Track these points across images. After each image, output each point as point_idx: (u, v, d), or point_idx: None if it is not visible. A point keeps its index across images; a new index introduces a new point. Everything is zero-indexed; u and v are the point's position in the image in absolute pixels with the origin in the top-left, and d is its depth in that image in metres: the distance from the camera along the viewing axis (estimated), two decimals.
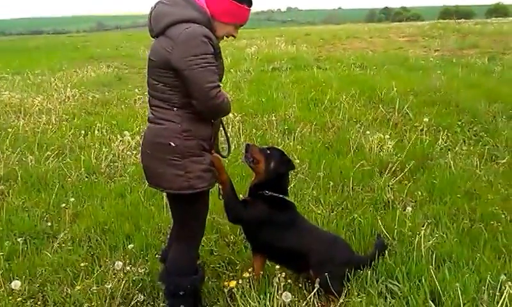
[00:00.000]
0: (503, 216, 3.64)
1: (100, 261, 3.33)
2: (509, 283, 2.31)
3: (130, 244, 3.41)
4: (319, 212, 3.81)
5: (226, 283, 2.74)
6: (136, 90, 8.74)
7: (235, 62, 12.24)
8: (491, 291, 2.59)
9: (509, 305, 2.34)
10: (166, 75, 2.32)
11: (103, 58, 14.57)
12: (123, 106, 8.09)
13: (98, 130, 6.29)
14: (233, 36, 2.51)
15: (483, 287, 2.62)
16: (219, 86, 2.32)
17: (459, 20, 22.06)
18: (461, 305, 2.40)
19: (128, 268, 3.01)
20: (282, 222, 2.83)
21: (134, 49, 16.78)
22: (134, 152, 5.38)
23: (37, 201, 4.32)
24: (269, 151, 2.86)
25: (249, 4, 2.43)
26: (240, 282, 2.68)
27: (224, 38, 2.50)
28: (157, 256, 3.28)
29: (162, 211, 4.03)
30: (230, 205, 2.76)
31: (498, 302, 2.33)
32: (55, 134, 6.37)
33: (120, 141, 5.53)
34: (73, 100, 8.46)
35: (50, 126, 6.62)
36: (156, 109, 2.44)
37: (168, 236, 3.05)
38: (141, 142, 2.61)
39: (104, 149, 5.34)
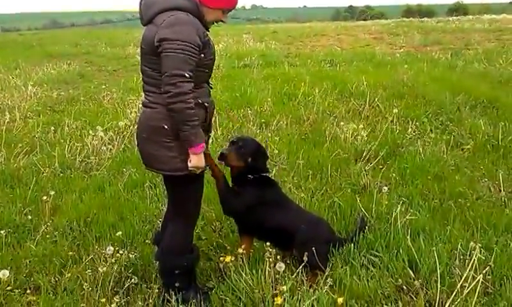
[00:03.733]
0: (469, 195, 3.93)
1: (88, 250, 3.35)
2: (479, 245, 2.54)
3: (116, 233, 3.45)
4: (302, 195, 3.97)
5: (221, 258, 2.85)
6: (103, 87, 8.63)
7: None
8: (461, 257, 2.84)
9: (478, 268, 2.56)
10: (156, 61, 2.40)
11: (62, 56, 14.13)
12: (90, 103, 8.00)
13: (68, 127, 6.23)
14: (222, 21, 2.59)
15: (455, 253, 2.87)
16: (184, 77, 2.31)
17: (422, 19, 22.81)
18: (438, 269, 2.60)
19: (119, 254, 3.04)
20: (271, 201, 2.99)
21: (94, 46, 16.43)
22: (109, 147, 5.39)
23: (12, 197, 4.27)
24: (243, 149, 2.90)
25: None
26: (233, 259, 2.80)
27: (215, 23, 2.58)
28: (147, 241, 3.36)
29: (145, 201, 4.09)
30: (224, 200, 2.92)
31: (469, 265, 2.55)
32: (22, 131, 6.27)
33: (93, 136, 5.48)
34: (35, 98, 8.26)
35: (16, 124, 6.48)
36: (149, 94, 2.52)
37: (162, 218, 3.15)
38: (136, 127, 2.69)
39: (76, 144, 5.30)
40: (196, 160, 2.44)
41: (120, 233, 3.42)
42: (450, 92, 7.09)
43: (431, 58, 10.83)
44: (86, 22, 76.42)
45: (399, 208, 3.37)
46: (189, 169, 2.47)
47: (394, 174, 4.27)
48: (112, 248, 2.97)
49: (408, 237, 3.03)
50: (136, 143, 2.74)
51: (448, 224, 3.40)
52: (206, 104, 2.56)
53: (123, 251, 3.11)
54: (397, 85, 7.79)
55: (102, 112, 7.19)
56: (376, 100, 6.76)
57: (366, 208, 3.61)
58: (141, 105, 2.83)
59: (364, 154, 4.86)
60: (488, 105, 6.49)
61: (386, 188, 3.59)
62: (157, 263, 2.84)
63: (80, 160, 5.15)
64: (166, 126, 2.44)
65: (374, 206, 3.60)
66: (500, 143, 4.97)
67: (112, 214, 3.87)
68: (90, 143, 5.39)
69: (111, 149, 5.39)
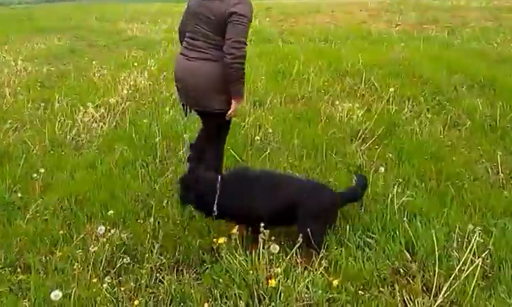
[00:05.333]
0: (467, 176, 3.88)
1: (79, 229, 3.29)
2: (478, 228, 2.50)
3: (108, 212, 3.38)
4: (297, 175, 3.91)
5: (214, 239, 2.80)
6: (94, 62, 8.47)
7: None
8: (459, 240, 2.80)
9: (477, 251, 2.52)
10: (219, 28, 3.12)
11: (52, 30, 13.78)
12: (81, 79, 7.83)
13: (58, 103, 6.11)
14: None
15: (453, 235, 2.82)
16: (245, 44, 3.10)
17: None
18: (435, 252, 2.56)
19: (110, 233, 2.98)
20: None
21: (85, 21, 16.08)
22: (100, 124, 5.29)
23: (1, 174, 4.17)
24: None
25: None
26: (226, 240, 2.75)
27: None
28: (139, 220, 3.29)
29: (137, 180, 4.01)
30: None
31: (467, 248, 2.51)
32: (12, 107, 6.13)
33: (84, 112, 5.40)
34: (26, 74, 8.10)
35: (5, 100, 6.34)
36: (213, 52, 3.21)
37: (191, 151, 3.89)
38: (186, 77, 3.36)
39: (67, 121, 5.19)
40: (236, 106, 3.26)
41: (112, 212, 3.35)
42: (447, 71, 6.99)
43: (428, 36, 10.65)
44: None
45: (395, 190, 3.30)
46: (229, 113, 3.29)
47: (390, 155, 4.20)
48: (103, 227, 2.92)
49: (405, 219, 2.99)
50: (185, 90, 3.41)
51: (445, 206, 3.35)
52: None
53: (115, 231, 3.04)
54: (393, 63, 7.64)
55: (93, 88, 7.04)
56: (372, 78, 6.67)
57: None
58: (186, 60, 3.38)
59: (360, 134, 4.79)
60: (485, 85, 6.38)
61: (382, 169, 3.53)
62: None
63: (71, 137, 5.06)
64: (218, 77, 3.19)
65: (369, 186, 3.54)
66: (497, 124, 4.90)
67: (104, 193, 3.80)
68: (81, 120, 5.30)
69: (102, 126, 5.30)
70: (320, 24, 14.26)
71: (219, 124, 3.47)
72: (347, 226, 3.00)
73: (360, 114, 5.22)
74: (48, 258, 3.00)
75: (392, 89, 5.75)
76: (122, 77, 7.21)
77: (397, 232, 2.93)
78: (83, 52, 10.63)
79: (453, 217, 3.14)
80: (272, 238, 2.68)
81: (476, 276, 2.43)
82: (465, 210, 3.32)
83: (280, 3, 20.18)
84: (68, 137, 5.04)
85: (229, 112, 3.29)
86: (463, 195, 3.55)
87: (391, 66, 7.48)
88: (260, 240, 2.59)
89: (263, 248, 2.60)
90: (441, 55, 8.19)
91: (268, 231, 2.63)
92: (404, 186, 3.70)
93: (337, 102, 5.66)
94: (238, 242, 2.75)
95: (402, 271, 2.66)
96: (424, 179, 3.86)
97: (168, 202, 3.52)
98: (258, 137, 4.75)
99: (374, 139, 4.66)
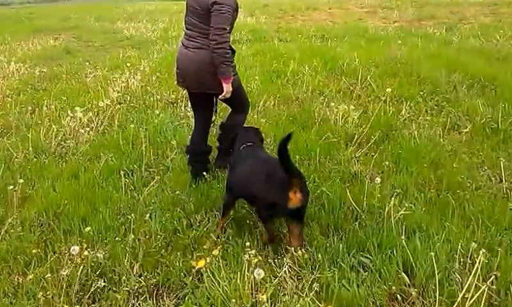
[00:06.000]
0: (468, 185, 3.65)
1: (54, 246, 3.09)
2: (482, 250, 2.26)
3: (86, 227, 3.16)
4: None
5: (194, 262, 2.58)
6: (87, 63, 8.26)
7: None
8: (462, 260, 2.57)
9: (481, 273, 2.30)
10: (206, 17, 3.41)
11: (50, 30, 13.71)
12: (73, 81, 7.62)
13: (46, 107, 5.89)
14: None
15: (454, 255, 2.59)
16: (226, 30, 3.38)
17: None
18: (435, 275, 2.34)
19: (86, 253, 2.78)
20: None
21: (83, 21, 15.90)
22: (87, 129, 5.08)
23: None
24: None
25: None
26: (208, 261, 2.53)
27: None
28: (117, 238, 3.08)
29: (120, 191, 3.80)
30: None
31: (470, 271, 2.29)
32: None
33: (71, 117, 5.19)
34: (17, 75, 7.89)
35: None
36: (196, 40, 3.54)
37: (191, 139, 4.03)
38: (184, 65, 3.68)
39: (53, 127, 4.96)
40: (226, 88, 3.49)
41: (89, 229, 3.13)
42: (446, 69, 6.74)
43: (425, 33, 10.42)
44: None
45: (392, 202, 3.08)
46: (221, 96, 3.57)
47: (387, 162, 3.96)
48: (77, 248, 2.69)
49: (403, 236, 2.76)
50: (191, 76, 3.65)
51: (446, 219, 3.12)
52: (233, 48, 3.58)
53: (90, 252, 2.82)
54: (390, 62, 7.41)
55: (84, 91, 6.83)
56: (369, 78, 6.43)
57: (356, 200, 3.33)
58: (184, 49, 3.67)
59: (355, 138, 4.56)
60: (485, 84, 6.13)
61: (378, 179, 3.29)
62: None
63: (56, 143, 4.84)
64: (211, 62, 3.45)
65: (365, 198, 3.31)
66: (499, 126, 4.65)
67: (85, 205, 3.59)
68: (68, 125, 5.10)
69: (89, 132, 5.09)
70: (317, 21, 14.05)
71: (237, 91, 3.68)
72: (340, 245, 2.78)
73: (356, 117, 4.99)
74: (20, 281, 2.78)
75: (389, 90, 5.51)
76: (114, 79, 7.02)
77: (395, 251, 2.69)
78: (78, 53, 10.48)
79: (455, 233, 2.90)
80: (259, 257, 2.47)
81: (482, 305, 2.19)
82: (467, 224, 3.07)
83: (278, 0, 19.97)
84: (53, 143, 4.82)
85: (222, 95, 3.55)
86: (465, 206, 3.31)
87: (388, 65, 7.26)
88: (245, 261, 2.37)
89: (247, 271, 2.37)
90: (440, 53, 7.94)
91: (254, 251, 2.42)
92: (402, 196, 3.47)
93: (332, 104, 5.43)
94: (221, 264, 2.53)
95: (399, 297, 2.42)
96: (423, 189, 3.62)
97: (150, 216, 3.31)
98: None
99: (370, 144, 4.44)
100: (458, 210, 3.26)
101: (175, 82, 3.94)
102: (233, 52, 3.61)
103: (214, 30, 3.35)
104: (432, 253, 2.43)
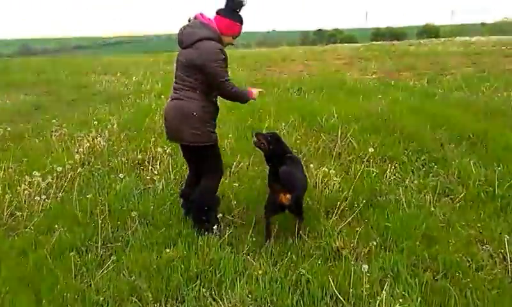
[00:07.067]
0: (468, 264, 3.15)
1: None
2: None
3: None
4: (262, 263, 3.21)
5: None
6: (54, 120, 7.74)
7: (167, 87, 11.45)
8: None
9: None
10: (194, 72, 3.56)
11: (22, 85, 13.28)
12: (37, 140, 7.06)
13: (4, 171, 5.30)
14: (232, 44, 3.82)
15: None
16: (228, 80, 3.60)
17: (393, 42, 22.66)
18: None
19: None
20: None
21: (57, 74, 15.52)
22: (43, 197, 4.53)
23: None
24: (269, 137, 3.84)
25: (241, 21, 3.67)
26: None
27: (229, 45, 3.77)
28: None
29: (69, 275, 3.26)
30: None
31: None
32: None
33: (28, 183, 4.69)
34: None
35: None
36: (185, 93, 3.63)
37: (185, 183, 4.18)
38: (166, 115, 3.76)
39: (6, 196, 4.43)
40: (254, 96, 3.80)
41: None
42: (431, 125, 6.40)
43: (406, 85, 10.21)
44: (58, 47, 73.52)
45: (383, 294, 2.55)
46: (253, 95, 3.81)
47: (374, 236, 3.46)
48: None
49: None
50: (169, 127, 3.77)
51: None
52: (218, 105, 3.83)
53: None
54: (370, 117, 7.07)
55: (47, 150, 6.30)
56: (348, 135, 6.04)
57: (341, 287, 2.80)
58: (169, 101, 3.78)
59: (337, 204, 4.08)
60: (474, 141, 5.78)
61: (366, 267, 2.78)
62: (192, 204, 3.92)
63: (9, 213, 4.32)
64: (195, 114, 3.59)
65: (352, 288, 2.78)
66: (496, 191, 4.24)
67: (29, 294, 3.06)
68: (23, 192, 4.58)
69: (45, 199, 4.54)
70: (294, 73, 13.92)
71: (210, 155, 3.80)
72: None
73: (337, 181, 4.53)
74: None
75: (371, 149, 5.11)
76: (80, 137, 6.55)
77: None
78: (48, 108, 9.99)
79: None
80: None
81: None
82: None
83: (254, 52, 20.04)
84: (4, 214, 4.29)
85: (253, 95, 3.80)
86: (467, 293, 2.80)
87: (368, 120, 6.90)
88: None
89: None
90: (423, 107, 7.63)
91: None
92: (394, 282, 2.95)
93: (311, 165, 4.97)
94: None
95: None
96: (417, 270, 3.12)
97: None
98: (220, 215, 4.02)
99: (354, 213, 3.95)
100: (460, 300, 2.74)
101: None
102: (217, 109, 3.79)
103: (220, 84, 3.56)
104: None
